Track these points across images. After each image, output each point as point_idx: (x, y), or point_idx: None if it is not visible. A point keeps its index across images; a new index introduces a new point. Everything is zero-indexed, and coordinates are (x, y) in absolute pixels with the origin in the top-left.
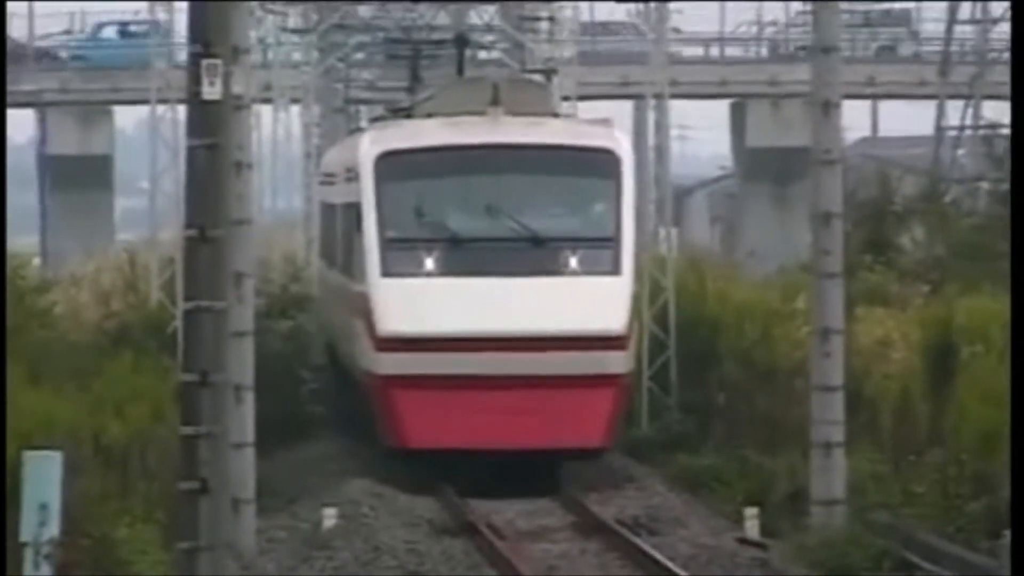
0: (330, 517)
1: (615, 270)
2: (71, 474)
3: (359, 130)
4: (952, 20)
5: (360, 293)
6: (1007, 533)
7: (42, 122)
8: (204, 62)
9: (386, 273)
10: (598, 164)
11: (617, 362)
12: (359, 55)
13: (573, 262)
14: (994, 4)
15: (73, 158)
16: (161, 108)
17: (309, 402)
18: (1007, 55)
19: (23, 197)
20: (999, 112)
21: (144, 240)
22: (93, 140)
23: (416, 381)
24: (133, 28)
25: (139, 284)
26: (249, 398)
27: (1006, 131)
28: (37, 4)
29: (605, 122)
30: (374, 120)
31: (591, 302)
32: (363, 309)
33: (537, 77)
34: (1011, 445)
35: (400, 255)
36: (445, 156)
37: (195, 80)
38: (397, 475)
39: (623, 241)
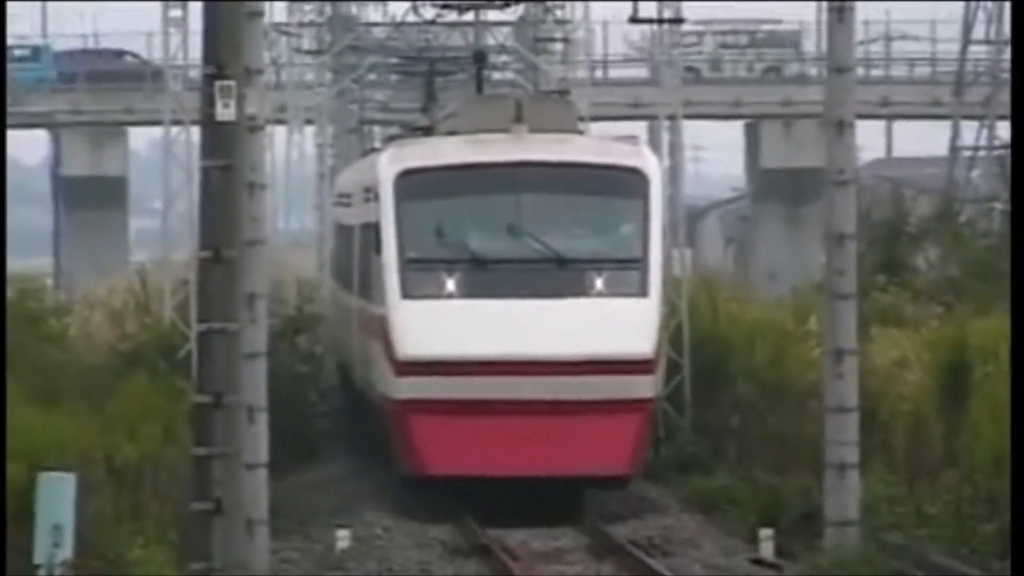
0: (343, 538)
1: (642, 292)
2: (84, 495)
3: (374, 150)
4: (967, 40)
5: (378, 315)
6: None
7: (55, 143)
8: (218, 83)
9: (406, 295)
10: (625, 183)
11: (644, 387)
12: (372, 76)
13: (599, 284)
14: (1008, 24)
15: (86, 179)
16: (175, 129)
17: (322, 423)
18: None
19: (37, 218)
20: None
21: (157, 261)
22: (106, 161)
23: (436, 406)
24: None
25: (152, 305)
26: (262, 419)
27: None
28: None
29: (632, 139)
30: (390, 139)
31: (617, 325)
32: (381, 332)
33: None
34: (1011, 454)
35: (420, 276)
36: (467, 174)
37: (209, 101)
38: (411, 497)
39: (651, 262)
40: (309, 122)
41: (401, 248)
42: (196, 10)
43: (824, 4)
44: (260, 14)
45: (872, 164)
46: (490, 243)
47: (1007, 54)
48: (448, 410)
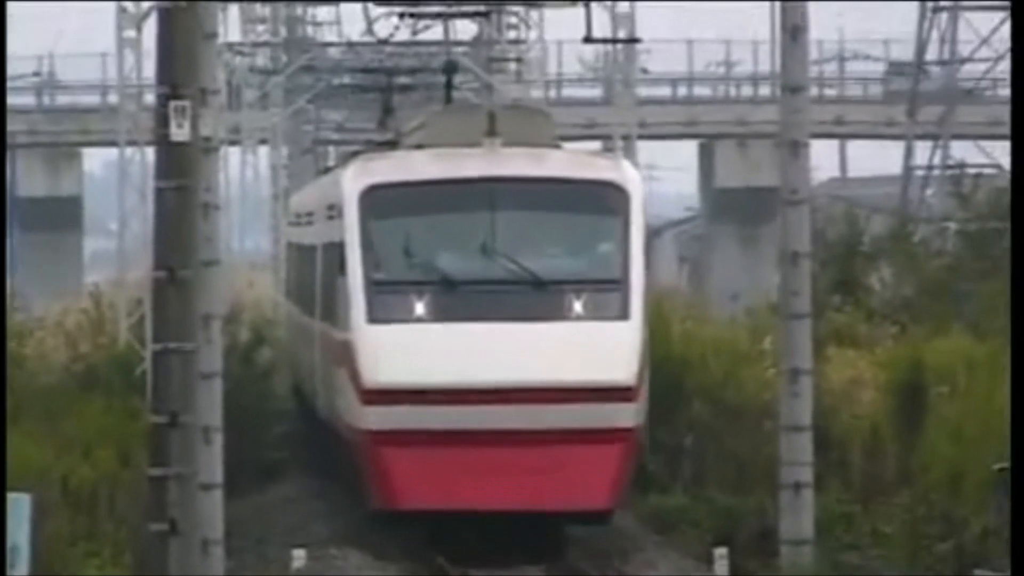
0: (299, 558)
1: (623, 315)
2: (40, 516)
3: (329, 169)
4: (920, 60)
5: (343, 341)
6: (976, 572)
7: (11, 164)
8: (172, 104)
9: (372, 319)
10: (604, 199)
11: (626, 415)
12: (327, 96)
13: (578, 306)
14: (961, 45)
15: (42, 200)
16: (130, 150)
17: (278, 444)
18: (974, 94)
19: None
20: (966, 151)
21: (113, 281)
22: (62, 182)
23: (405, 437)
24: None
25: (107, 326)
26: (218, 439)
27: (973, 170)
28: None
29: (612, 153)
30: (347, 156)
31: (597, 350)
32: (347, 358)
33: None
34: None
35: (388, 299)
36: (437, 191)
37: (163, 122)
38: (367, 518)
39: (632, 283)
40: (263, 142)
41: (367, 269)
42: (151, 31)
43: (777, 24)
44: (214, 35)
45: (826, 183)
46: (462, 264)
47: (960, 74)
48: (419, 441)
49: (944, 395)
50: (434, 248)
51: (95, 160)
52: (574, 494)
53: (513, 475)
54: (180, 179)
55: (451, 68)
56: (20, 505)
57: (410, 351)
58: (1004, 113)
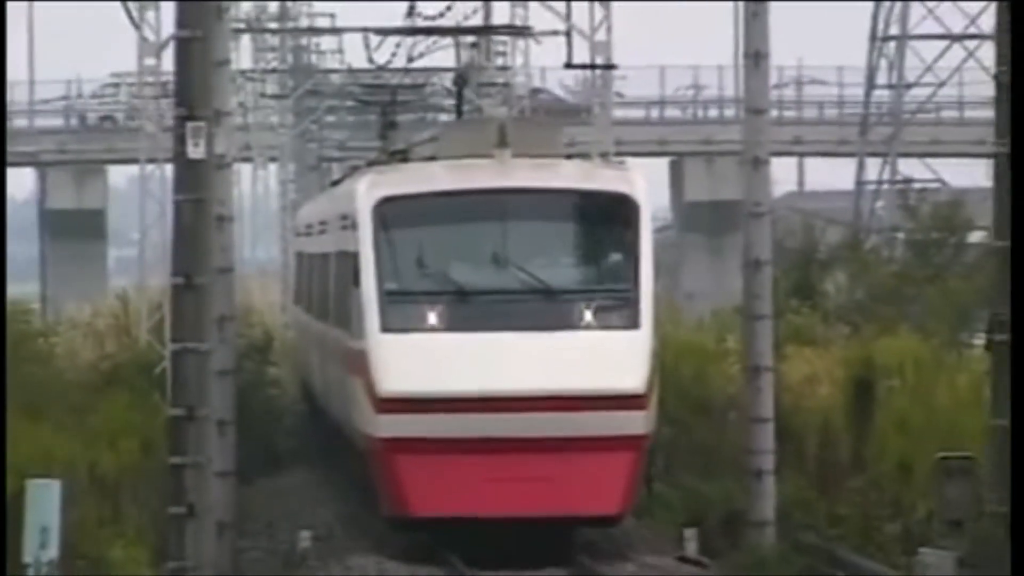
0: (305, 539)
1: (633, 324)
2: (69, 502)
3: (336, 182)
4: (871, 85)
5: (357, 350)
6: (922, 551)
7: (42, 180)
8: (189, 124)
9: (386, 328)
10: (614, 210)
11: (636, 423)
12: (331, 118)
13: (588, 316)
14: (908, 70)
15: (70, 212)
16: (150, 167)
17: (287, 436)
18: (920, 116)
19: (25, 249)
20: (913, 168)
21: (135, 287)
22: (88, 196)
23: (419, 444)
24: None
25: (130, 327)
26: (231, 431)
27: (919, 185)
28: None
29: (621, 164)
30: (352, 170)
31: (608, 358)
32: (361, 367)
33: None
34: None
35: (401, 309)
36: (449, 202)
37: (181, 141)
38: (370, 503)
39: (642, 293)
40: (272, 160)
41: (380, 279)
42: (169, 58)
43: (741, 51)
44: (227, 62)
45: (786, 197)
46: (474, 274)
47: (907, 97)
48: (432, 449)
49: (893, 389)
50: (447, 258)
51: (119, 176)
52: (585, 500)
53: (525, 482)
54: (196, 193)
55: (461, 82)
56: (50, 491)
57: (423, 360)
58: (946, 133)
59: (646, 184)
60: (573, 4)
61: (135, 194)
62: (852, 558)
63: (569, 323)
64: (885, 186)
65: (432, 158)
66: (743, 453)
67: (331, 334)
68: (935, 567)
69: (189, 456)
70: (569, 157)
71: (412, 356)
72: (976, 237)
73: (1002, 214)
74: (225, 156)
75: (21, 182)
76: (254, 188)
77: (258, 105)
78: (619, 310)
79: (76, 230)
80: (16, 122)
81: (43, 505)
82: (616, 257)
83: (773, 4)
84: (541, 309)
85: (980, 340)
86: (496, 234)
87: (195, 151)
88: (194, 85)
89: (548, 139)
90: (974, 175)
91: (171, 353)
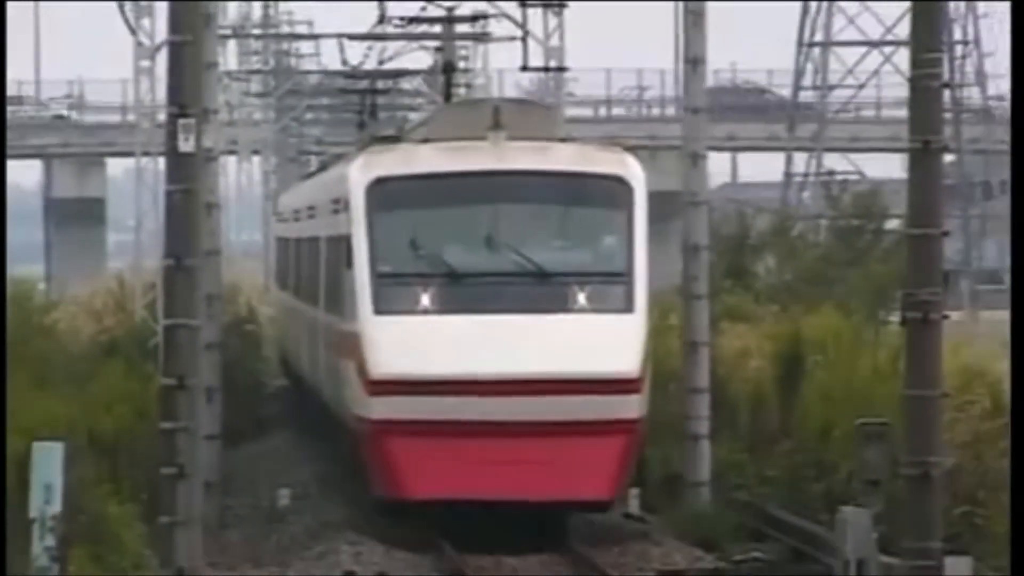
0: (284, 496)
1: (627, 307)
2: (70, 462)
3: (311, 175)
4: (797, 86)
5: (350, 332)
6: (843, 508)
7: (47, 171)
8: (180, 121)
9: (378, 310)
10: (608, 192)
11: (629, 407)
12: (309, 115)
13: (582, 299)
14: (831, 73)
15: (72, 200)
16: (145, 159)
17: (268, 404)
18: (841, 114)
19: (31, 233)
20: (835, 161)
21: (131, 268)
22: (89, 185)
23: (411, 427)
24: None
25: (127, 304)
26: (217, 399)
27: (841, 177)
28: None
29: (616, 147)
30: (323, 164)
31: (602, 342)
32: (353, 349)
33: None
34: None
35: (393, 291)
36: (443, 184)
37: (173, 136)
38: (340, 462)
39: (636, 276)
40: (256, 153)
41: (373, 261)
42: (162, 61)
43: (681, 56)
44: (215, 64)
45: (721, 188)
46: (467, 256)
47: (831, 97)
48: (424, 431)
49: (817, 362)
50: (440, 241)
51: (117, 167)
52: (578, 484)
53: (517, 465)
54: (187, 183)
55: (449, 68)
56: (53, 452)
57: (416, 342)
58: (865, 131)
59: (640, 168)
60: (529, 12)
61: (132, 184)
62: (780, 514)
63: (563, 306)
64: (811, 178)
65: (425, 140)
66: (682, 420)
67: (322, 317)
68: (854, 522)
69: (180, 421)
70: (562, 140)
71: (404, 338)
72: (892, 224)
73: (915, 203)
74: (213, 149)
75: (30, 173)
76: (239, 178)
77: (243, 103)
78: (613, 293)
79: (78, 217)
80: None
81: (47, 465)
82: (610, 240)
83: (710, 11)
84: (535, 292)
85: (895, 317)
86: (490, 216)
87: (186, 145)
88: (185, 85)
89: (542, 121)
90: (890, 168)
91: (163, 328)
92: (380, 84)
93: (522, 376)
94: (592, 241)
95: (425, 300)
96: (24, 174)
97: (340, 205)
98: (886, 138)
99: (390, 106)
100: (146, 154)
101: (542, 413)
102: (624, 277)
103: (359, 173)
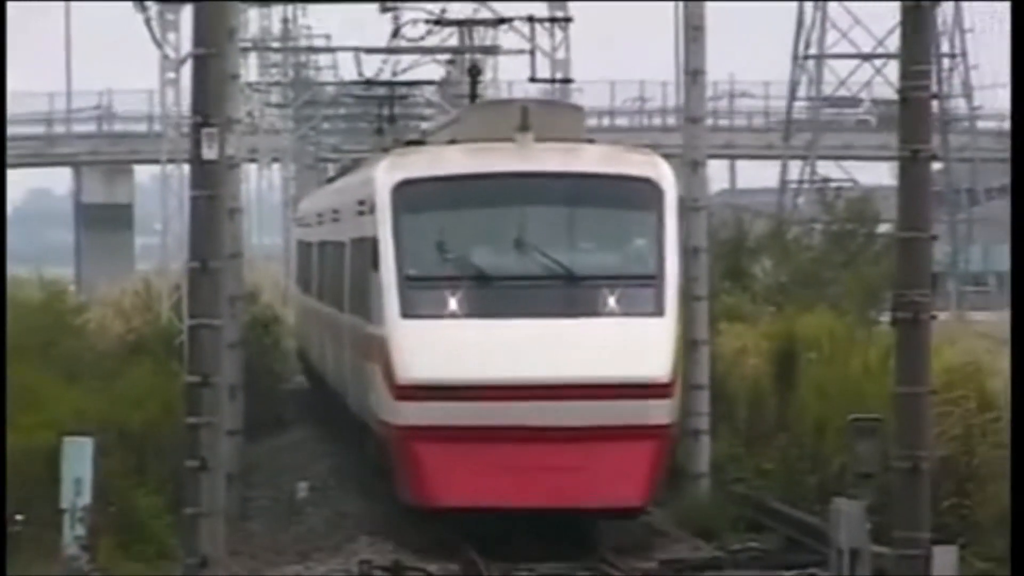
0: (303, 489)
1: (658, 311)
2: (99, 456)
3: (331, 180)
4: (793, 97)
5: (376, 336)
6: (836, 499)
7: (77, 177)
8: (204, 130)
9: (406, 314)
10: (638, 195)
11: (661, 412)
12: (326, 125)
13: (612, 302)
14: (825, 85)
15: (102, 206)
16: (171, 166)
17: (288, 400)
18: (835, 124)
19: (63, 236)
20: (829, 169)
21: (157, 270)
22: (117, 191)
23: (439, 433)
24: None
25: (153, 305)
26: (239, 395)
27: (834, 183)
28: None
29: (646, 148)
30: (342, 170)
31: (632, 346)
32: (380, 353)
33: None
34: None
35: (421, 294)
36: (470, 185)
37: (197, 144)
38: (357, 455)
39: (667, 279)
40: (276, 160)
41: (400, 264)
42: (187, 73)
43: (681, 68)
44: (237, 76)
45: (720, 194)
46: (495, 259)
47: (824, 109)
48: (452, 437)
49: (812, 360)
50: (467, 243)
51: (144, 174)
52: (608, 492)
53: (547, 472)
54: (210, 189)
55: (475, 72)
56: (84, 447)
57: (443, 347)
58: (857, 139)
59: (671, 169)
60: (536, 27)
61: (158, 190)
62: (776, 506)
63: (593, 310)
64: (805, 184)
65: (452, 142)
66: (682, 415)
67: (347, 320)
68: (847, 513)
69: (203, 417)
70: (590, 141)
71: (432, 343)
72: (883, 228)
73: (904, 208)
74: (235, 157)
75: (61, 180)
76: (259, 184)
77: (263, 113)
78: (644, 296)
79: (107, 221)
80: (56, 128)
81: (77, 459)
82: (640, 243)
83: (709, 28)
84: (564, 295)
85: (886, 317)
86: (518, 218)
87: (209, 153)
88: (209, 96)
89: (570, 122)
90: (881, 175)
91: (188, 328)
92: (396, 92)
93: (552, 381)
94: (622, 244)
95: (453, 304)
96: (55, 181)
97: (366, 207)
98: (877, 147)
99: (405, 115)
100: (171, 161)
101: (572, 419)
102: (655, 280)
103: (385, 175)
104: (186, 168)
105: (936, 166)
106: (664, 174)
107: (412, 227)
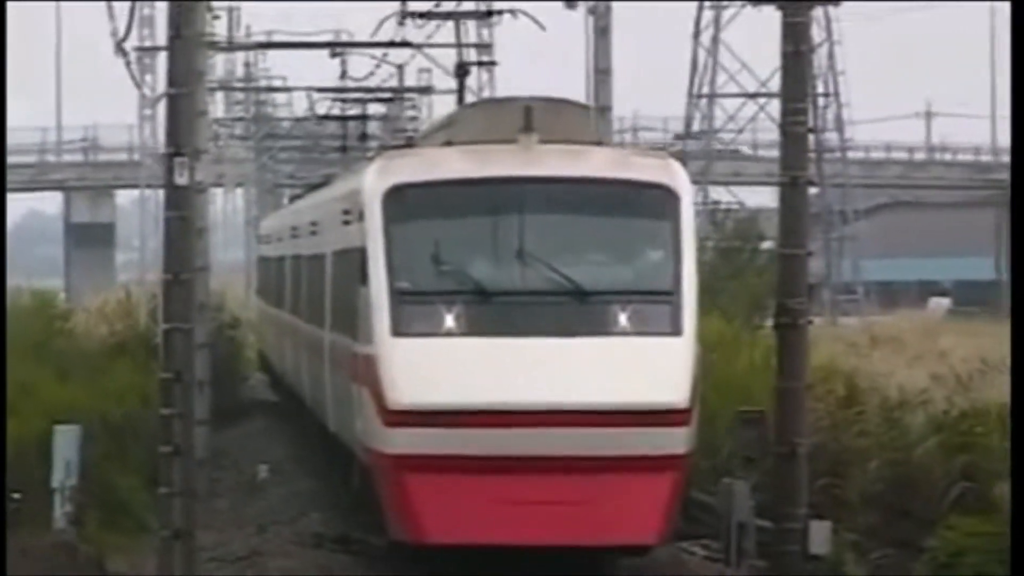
0: (263, 471)
1: (675, 330)
2: (86, 442)
3: (298, 197)
4: (687, 130)
5: (364, 355)
6: (725, 480)
7: (67, 200)
8: (176, 159)
9: (397, 332)
10: (652, 202)
11: (677, 441)
12: (283, 155)
13: (623, 320)
14: (716, 120)
15: (87, 225)
16: (148, 191)
17: (250, 394)
18: (728, 152)
19: (54, 252)
20: (719, 194)
21: (136, 281)
22: (101, 213)
23: (434, 462)
24: None
25: (132, 311)
26: (207, 390)
27: (724, 206)
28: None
29: (660, 152)
30: (295, 197)
31: (646, 368)
32: (368, 374)
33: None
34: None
35: (414, 311)
36: (468, 191)
37: (170, 172)
38: (311, 440)
39: (683, 295)
40: (239, 185)
41: (391, 277)
42: (162, 109)
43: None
44: (205, 112)
45: None
46: (496, 272)
47: (715, 139)
48: (448, 467)
49: (716, 360)
50: (465, 255)
51: (124, 198)
52: (619, 528)
53: (551, 506)
54: (182, 211)
55: (463, 72)
56: (71, 434)
57: (439, 368)
58: (744, 167)
59: (686, 175)
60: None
61: (137, 211)
62: None
63: (602, 328)
64: (699, 207)
65: (448, 143)
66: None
67: (328, 337)
68: (735, 492)
69: (176, 408)
70: (599, 143)
71: (426, 363)
72: (766, 245)
73: (785, 228)
74: (203, 183)
75: (53, 202)
76: (225, 206)
77: (228, 144)
78: (658, 314)
79: (92, 238)
80: (48, 157)
81: (66, 444)
82: (655, 255)
83: (615, 69)
84: (571, 312)
85: (769, 322)
86: (521, 228)
87: (181, 179)
88: (181, 129)
89: (578, 123)
90: (765, 199)
91: (163, 331)
92: (345, 128)
93: (557, 406)
94: (635, 256)
95: (449, 321)
96: (48, 203)
97: (352, 216)
98: (762, 174)
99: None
100: (148, 186)
101: (580, 448)
102: (671, 296)
103: (375, 180)
104: (161, 192)
105: (812, 191)
106: (679, 179)
107: (404, 237)
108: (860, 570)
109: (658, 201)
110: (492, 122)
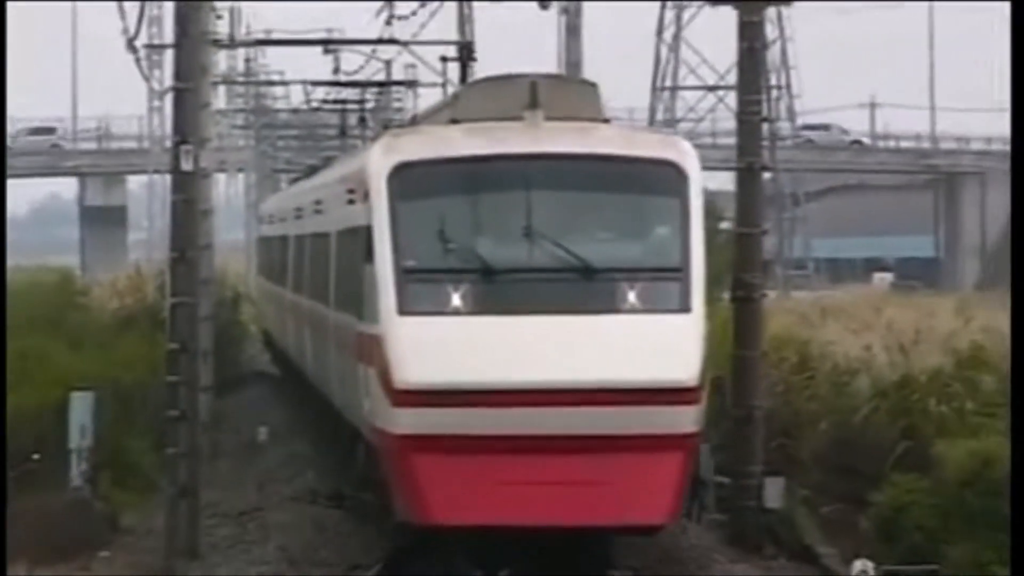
0: (263, 433)
1: (683, 307)
2: (99, 407)
3: (297, 179)
4: (652, 121)
5: (370, 334)
6: None
7: (82, 185)
8: (182, 147)
9: (404, 311)
10: (660, 179)
11: (687, 419)
12: (281, 143)
13: (632, 297)
14: (678, 110)
15: (100, 208)
16: (157, 176)
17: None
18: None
19: (71, 233)
20: None
21: (145, 259)
22: (113, 196)
23: (441, 442)
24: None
25: (142, 287)
26: (210, 359)
27: None
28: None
29: (668, 130)
30: (294, 180)
31: (655, 346)
32: (375, 354)
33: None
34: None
35: (421, 289)
36: (475, 168)
37: (176, 159)
38: (308, 404)
39: (692, 272)
40: (240, 171)
41: (397, 256)
42: (169, 101)
43: None
44: (209, 104)
45: None
46: (503, 250)
47: (677, 129)
48: (456, 447)
49: None
50: (472, 232)
51: (134, 183)
52: (629, 507)
53: (560, 486)
54: (187, 195)
55: (465, 53)
56: (86, 399)
57: (446, 347)
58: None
59: (695, 152)
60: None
61: (146, 195)
62: None
63: (611, 306)
64: None
65: (454, 121)
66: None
67: (333, 316)
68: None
69: (182, 376)
70: (607, 121)
71: (433, 342)
72: (724, 225)
73: (741, 209)
74: (207, 169)
75: (69, 186)
76: (227, 190)
77: (230, 133)
78: (667, 291)
79: (105, 220)
80: (65, 145)
81: (81, 409)
82: (663, 232)
83: (584, 64)
84: (579, 290)
85: (727, 295)
86: (528, 205)
87: (186, 165)
88: (186, 120)
89: (585, 100)
90: (723, 182)
91: (170, 305)
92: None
93: (566, 385)
94: (643, 233)
95: (456, 299)
96: (65, 187)
97: (357, 195)
98: (720, 160)
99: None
100: (157, 172)
101: (588, 427)
102: (679, 273)
103: (380, 158)
104: (168, 177)
105: (766, 175)
106: (688, 157)
107: (410, 215)
108: (811, 522)
109: (666, 178)
110: (497, 99)
